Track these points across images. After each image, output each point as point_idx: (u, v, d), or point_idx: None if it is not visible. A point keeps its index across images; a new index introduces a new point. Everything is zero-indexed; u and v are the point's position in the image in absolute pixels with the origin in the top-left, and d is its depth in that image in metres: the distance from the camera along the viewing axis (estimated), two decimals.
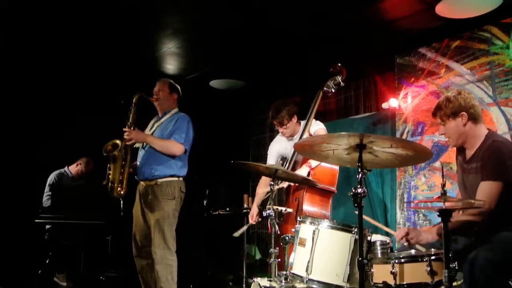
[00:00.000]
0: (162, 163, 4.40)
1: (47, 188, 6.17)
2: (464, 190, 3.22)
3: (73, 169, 6.43)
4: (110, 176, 4.32)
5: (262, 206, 4.74)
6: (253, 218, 4.78)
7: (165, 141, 4.42)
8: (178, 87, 4.73)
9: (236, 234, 4.75)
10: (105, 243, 5.98)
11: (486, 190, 2.91)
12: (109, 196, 4.37)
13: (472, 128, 3.12)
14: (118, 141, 4.34)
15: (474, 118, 3.12)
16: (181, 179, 4.49)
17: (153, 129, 4.59)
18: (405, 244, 2.99)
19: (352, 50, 5.86)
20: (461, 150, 3.28)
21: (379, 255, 2.90)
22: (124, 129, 4.36)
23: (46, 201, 6.05)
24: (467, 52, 5.23)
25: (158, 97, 4.59)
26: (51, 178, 6.25)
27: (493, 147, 3.00)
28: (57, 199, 5.76)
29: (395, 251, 3.10)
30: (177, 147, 4.42)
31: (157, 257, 4.26)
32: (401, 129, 5.88)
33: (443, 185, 2.51)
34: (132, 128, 4.39)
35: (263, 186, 4.86)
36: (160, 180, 4.38)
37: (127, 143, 4.34)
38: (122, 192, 4.33)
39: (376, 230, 3.73)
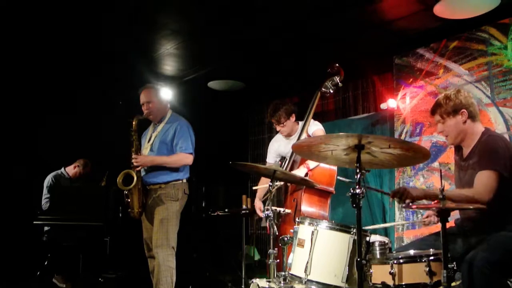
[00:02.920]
0: (166, 170, 4.43)
1: (45, 191, 6.14)
2: (461, 187, 3.22)
3: (71, 170, 6.40)
4: (130, 204, 4.39)
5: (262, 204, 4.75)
6: (261, 210, 4.74)
7: (173, 156, 4.43)
8: (163, 90, 4.68)
9: (263, 223, 4.78)
10: (103, 244, 5.97)
11: (483, 179, 2.92)
12: (107, 197, 4.39)
13: (471, 126, 3.14)
14: (130, 172, 4.34)
15: (473, 116, 3.14)
16: (184, 181, 4.51)
17: (152, 140, 4.57)
18: (401, 203, 3.03)
19: (350, 51, 5.86)
20: (458, 149, 3.30)
21: (378, 256, 2.89)
22: (132, 156, 4.37)
23: (45, 204, 6.02)
24: (465, 53, 5.24)
25: (150, 111, 4.53)
26: (48, 180, 6.21)
27: (489, 140, 3.04)
28: (55, 201, 5.74)
29: (394, 252, 3.10)
30: (188, 159, 4.47)
31: (159, 258, 4.26)
32: (399, 129, 5.88)
33: (442, 189, 2.51)
34: (138, 153, 4.40)
35: (264, 182, 4.86)
36: (164, 184, 4.41)
37: (137, 169, 4.35)
38: (141, 211, 4.42)
39: (375, 231, 3.75)
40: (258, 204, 4.80)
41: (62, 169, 6.38)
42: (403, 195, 2.96)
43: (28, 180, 6.21)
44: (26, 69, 6.20)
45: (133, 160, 4.36)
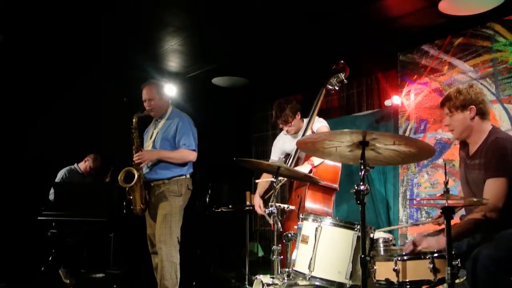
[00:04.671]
0: (169, 166, 4.44)
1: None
2: (466, 185, 3.21)
3: (82, 166, 6.51)
4: (132, 201, 4.42)
5: (265, 203, 4.74)
6: (261, 208, 4.70)
7: (177, 152, 4.44)
8: (164, 85, 4.68)
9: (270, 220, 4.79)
10: (108, 240, 5.98)
11: (492, 188, 2.89)
12: (112, 193, 4.40)
13: (479, 123, 3.11)
14: (131, 170, 4.34)
15: (482, 113, 3.10)
16: (188, 176, 4.52)
17: (154, 136, 4.57)
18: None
19: (355, 47, 5.85)
20: (464, 145, 3.27)
21: (382, 252, 2.89)
22: (135, 154, 4.37)
23: (52, 194, 6.08)
24: (470, 49, 5.22)
25: (151, 108, 4.54)
26: (62, 174, 6.30)
27: (496, 144, 2.99)
28: (61, 196, 5.76)
29: (398, 249, 3.10)
30: (191, 155, 4.48)
31: (162, 254, 4.27)
32: (403, 126, 5.87)
33: (446, 183, 2.51)
34: (139, 151, 4.40)
35: (265, 178, 4.85)
36: (168, 180, 4.42)
37: (141, 165, 4.36)
38: (143, 208, 4.43)
39: (379, 227, 3.74)
40: (257, 200, 4.75)
41: (75, 164, 6.49)
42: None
43: (33, 175, 6.23)
44: (31, 65, 6.21)
45: (135, 157, 4.37)
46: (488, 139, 3.06)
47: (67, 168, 6.39)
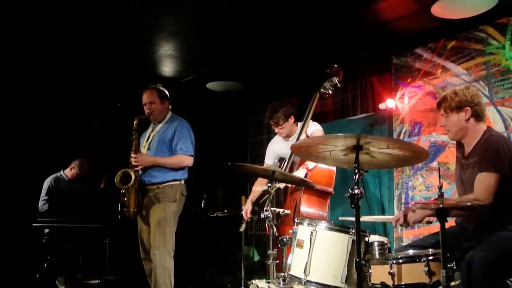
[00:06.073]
0: (164, 170, 4.42)
1: (43, 193, 6.14)
2: (461, 185, 3.22)
3: (68, 172, 6.41)
4: (126, 203, 4.38)
5: (260, 207, 4.73)
6: (247, 214, 4.70)
7: (173, 158, 4.44)
8: (166, 91, 4.68)
9: (242, 229, 4.79)
10: (103, 246, 5.96)
11: (484, 182, 2.90)
12: (106, 199, 4.37)
13: (474, 125, 3.12)
14: (129, 171, 4.33)
15: (477, 115, 3.12)
16: (182, 182, 4.51)
17: (150, 139, 4.57)
18: (403, 225, 3.06)
19: (348, 51, 5.86)
20: (460, 146, 3.29)
21: (377, 256, 2.90)
22: (131, 155, 4.37)
23: (42, 205, 6.02)
24: (463, 52, 5.25)
25: (152, 111, 4.55)
26: (48, 182, 6.22)
27: (489, 140, 3.02)
28: (55, 203, 5.74)
29: (393, 252, 3.10)
30: (188, 160, 4.48)
31: (156, 260, 4.25)
32: (398, 129, 5.88)
33: (440, 187, 2.51)
34: (137, 153, 4.39)
35: (260, 184, 4.83)
36: (162, 185, 4.40)
37: (136, 168, 4.35)
38: (136, 211, 4.40)
39: (374, 231, 3.74)
40: (248, 206, 4.72)
41: (61, 171, 6.40)
42: (404, 222, 2.99)
43: (28, 182, 6.20)
44: (28, 71, 6.20)
45: (132, 160, 4.36)
46: (482, 138, 3.09)
47: (53, 176, 6.29)
